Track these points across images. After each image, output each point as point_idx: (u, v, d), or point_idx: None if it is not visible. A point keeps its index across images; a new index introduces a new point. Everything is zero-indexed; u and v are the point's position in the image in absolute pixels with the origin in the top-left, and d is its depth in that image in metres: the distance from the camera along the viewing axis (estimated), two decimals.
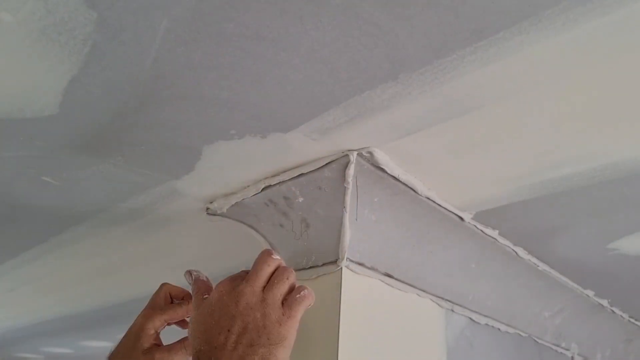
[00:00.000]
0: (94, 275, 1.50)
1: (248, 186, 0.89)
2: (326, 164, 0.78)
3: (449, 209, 0.91)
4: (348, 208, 0.82)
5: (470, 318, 1.09)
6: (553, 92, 0.62)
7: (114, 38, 0.56)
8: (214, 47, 0.57)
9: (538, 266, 1.14)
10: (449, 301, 1.03)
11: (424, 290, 0.97)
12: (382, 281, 0.89)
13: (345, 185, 0.79)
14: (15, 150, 0.80)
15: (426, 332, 0.97)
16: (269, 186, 0.86)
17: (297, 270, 0.90)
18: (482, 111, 0.65)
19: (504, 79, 0.60)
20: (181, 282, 1.51)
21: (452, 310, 1.04)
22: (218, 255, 1.27)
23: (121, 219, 1.05)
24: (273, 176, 0.85)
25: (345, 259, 0.82)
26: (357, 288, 0.84)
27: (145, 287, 1.61)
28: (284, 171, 0.83)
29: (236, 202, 0.91)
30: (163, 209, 1.00)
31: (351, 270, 0.84)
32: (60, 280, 1.54)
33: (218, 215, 0.96)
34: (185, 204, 0.97)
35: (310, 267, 0.87)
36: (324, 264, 0.86)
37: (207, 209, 0.97)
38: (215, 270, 1.38)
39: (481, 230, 1.00)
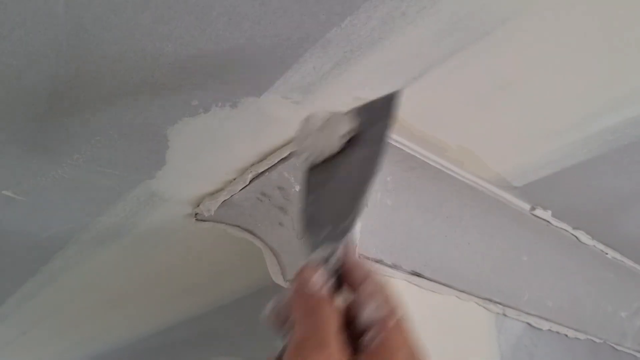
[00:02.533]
0: (106, 308, 1.37)
1: (234, 179, 0.74)
2: None
3: (483, 185, 0.73)
4: None
5: (528, 323, 0.89)
6: None
7: None
8: None
9: (607, 254, 0.93)
10: (499, 303, 0.84)
11: (464, 292, 0.79)
12: (409, 282, 0.71)
13: None
14: None
15: (472, 343, 0.78)
16: (258, 175, 0.71)
17: None
18: (505, 29, 0.48)
19: None
20: (197, 306, 1.37)
21: (505, 315, 0.85)
22: (233, 272, 1.12)
23: (106, 237, 0.92)
24: (260, 161, 0.70)
25: (357, 256, 0.66)
26: None
27: (169, 317, 1.48)
28: (271, 152, 0.68)
29: (224, 201, 0.76)
30: (148, 220, 0.86)
31: None
32: (72, 316, 1.43)
33: (208, 220, 0.81)
34: (170, 210, 0.83)
35: None
36: None
37: (196, 214, 0.82)
38: (238, 288, 1.23)
39: (531, 213, 0.81)
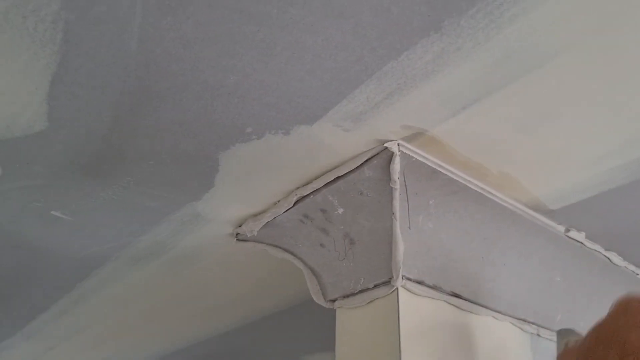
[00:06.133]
0: (135, 324, 1.39)
1: (278, 201, 0.76)
2: (365, 160, 0.65)
3: (521, 208, 0.75)
4: (398, 215, 0.67)
5: None
6: None
7: (86, 14, 0.46)
8: (206, 12, 0.46)
9: (638, 274, 0.94)
10: (534, 324, 0.85)
11: (500, 312, 0.80)
12: (448, 302, 0.73)
13: (392, 185, 0.65)
14: (14, 180, 0.71)
15: None
16: (302, 198, 0.73)
17: (344, 297, 0.75)
18: (552, 64, 0.50)
19: (588, 11, 0.45)
20: (227, 323, 1.38)
21: (539, 335, 0.86)
22: (265, 290, 1.14)
23: (145, 256, 0.94)
24: (305, 184, 0.72)
25: (400, 277, 0.67)
26: (417, 312, 0.68)
27: (199, 333, 1.49)
28: (317, 176, 0.70)
29: (267, 222, 0.78)
30: (188, 240, 0.88)
31: (409, 290, 0.69)
32: (101, 332, 1.44)
33: (249, 240, 0.84)
34: (211, 230, 0.85)
35: (360, 292, 0.73)
36: (375, 286, 0.71)
37: (237, 234, 0.84)
38: (268, 306, 1.24)
39: (565, 234, 0.82)
